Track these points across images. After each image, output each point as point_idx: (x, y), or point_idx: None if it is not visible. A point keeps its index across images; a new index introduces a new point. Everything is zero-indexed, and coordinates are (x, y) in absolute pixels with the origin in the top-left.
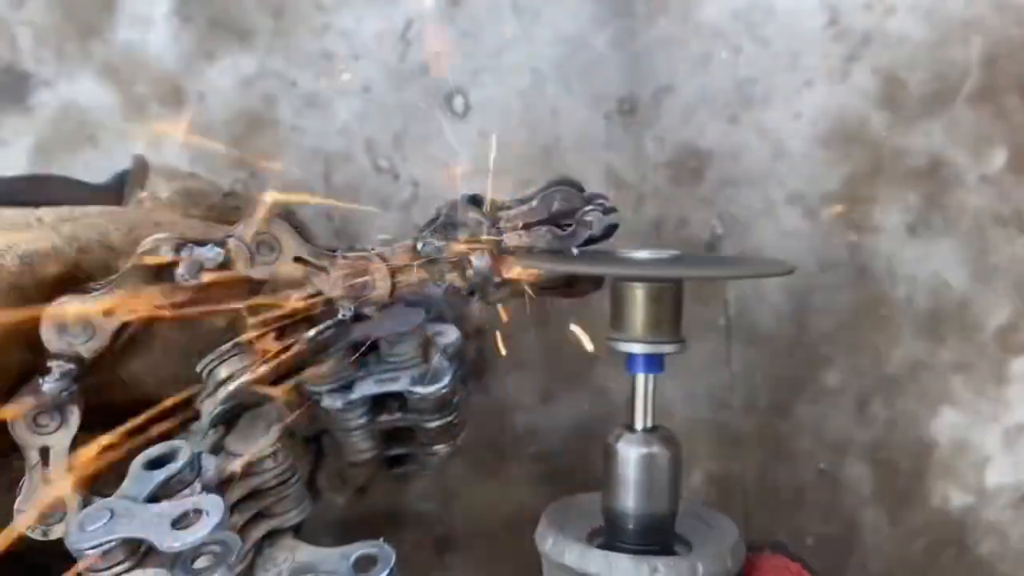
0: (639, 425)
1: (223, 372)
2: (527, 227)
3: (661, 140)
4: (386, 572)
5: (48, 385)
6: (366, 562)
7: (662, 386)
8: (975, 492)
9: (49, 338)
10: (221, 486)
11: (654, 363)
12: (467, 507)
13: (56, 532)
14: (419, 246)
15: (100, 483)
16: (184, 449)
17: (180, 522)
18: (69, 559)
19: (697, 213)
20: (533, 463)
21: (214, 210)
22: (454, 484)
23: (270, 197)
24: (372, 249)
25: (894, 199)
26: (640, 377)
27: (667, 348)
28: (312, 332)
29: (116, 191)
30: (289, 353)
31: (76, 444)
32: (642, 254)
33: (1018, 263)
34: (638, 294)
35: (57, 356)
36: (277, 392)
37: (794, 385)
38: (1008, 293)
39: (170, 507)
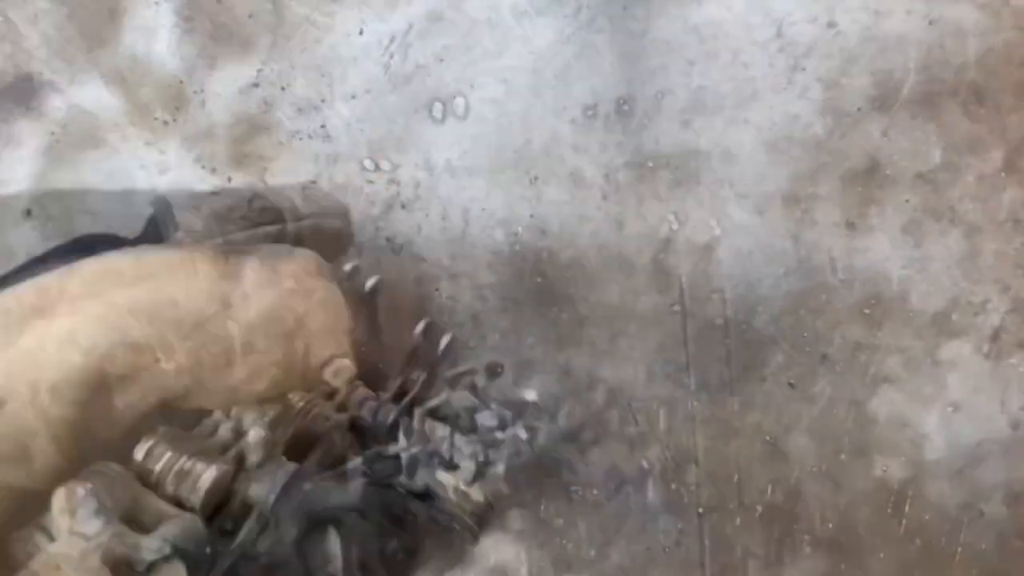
0: None
1: None
2: None
3: (622, 144)
4: None
5: None
6: None
7: (628, 367)
8: (914, 466)
9: None
10: None
11: None
12: None
13: None
14: None
15: None
16: None
17: None
18: None
19: (654, 210)
20: None
21: (247, 219)
22: None
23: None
24: None
25: (835, 196)
26: None
27: None
28: None
29: (154, 237)
30: None
31: None
32: None
33: (952, 254)
34: None
35: None
36: None
37: (744, 365)
38: (943, 282)
39: None
